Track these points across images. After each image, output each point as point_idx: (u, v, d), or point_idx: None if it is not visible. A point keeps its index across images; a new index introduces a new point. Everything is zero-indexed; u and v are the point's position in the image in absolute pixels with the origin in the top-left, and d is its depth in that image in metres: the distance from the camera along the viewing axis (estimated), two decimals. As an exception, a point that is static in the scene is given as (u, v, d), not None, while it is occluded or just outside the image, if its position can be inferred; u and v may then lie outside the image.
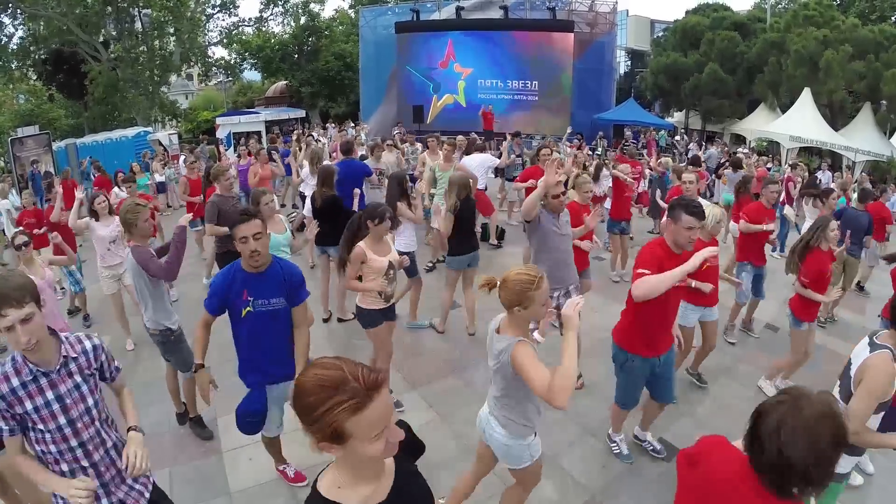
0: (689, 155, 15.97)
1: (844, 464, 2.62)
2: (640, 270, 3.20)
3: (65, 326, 4.70)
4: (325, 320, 6.22)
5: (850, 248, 6.58)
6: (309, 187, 8.43)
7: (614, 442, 4.03)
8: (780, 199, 8.91)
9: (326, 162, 7.78)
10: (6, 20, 21.60)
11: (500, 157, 8.74)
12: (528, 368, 2.39)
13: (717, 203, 7.58)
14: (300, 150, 10.95)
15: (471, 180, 5.79)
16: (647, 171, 10.76)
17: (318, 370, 1.28)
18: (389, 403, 1.30)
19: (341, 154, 7.47)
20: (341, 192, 6.24)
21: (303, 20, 29.04)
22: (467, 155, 8.37)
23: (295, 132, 18.81)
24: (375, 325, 4.27)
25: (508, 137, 10.30)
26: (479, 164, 7.89)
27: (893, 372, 2.43)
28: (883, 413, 2.52)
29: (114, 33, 22.87)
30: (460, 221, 5.46)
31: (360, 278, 4.16)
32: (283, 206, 10.14)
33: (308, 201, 6.90)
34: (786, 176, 9.84)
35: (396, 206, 5.53)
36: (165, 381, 4.33)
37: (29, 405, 2.05)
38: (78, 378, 2.16)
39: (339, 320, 6.18)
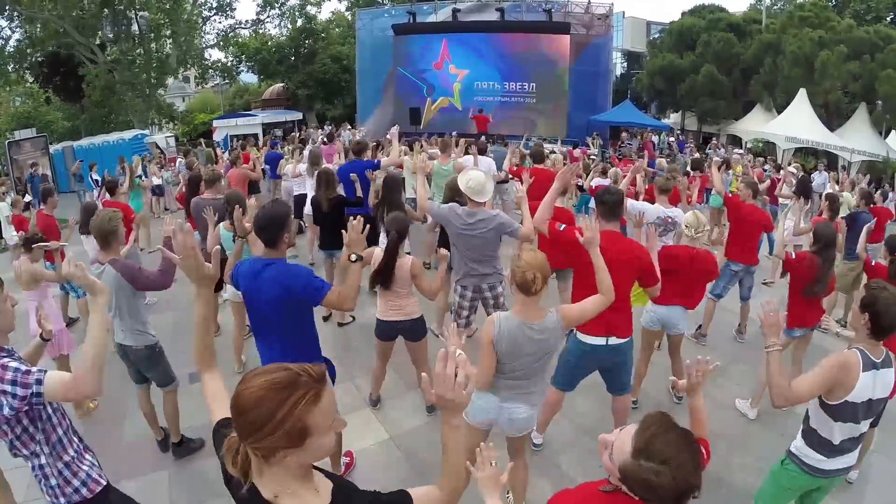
0: (688, 157, 16.04)
1: (834, 462, 2.64)
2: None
3: (63, 329, 4.70)
4: (325, 318, 6.27)
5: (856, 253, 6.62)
6: (306, 189, 8.43)
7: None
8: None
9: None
10: (3, 22, 21.61)
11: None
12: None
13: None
14: (292, 152, 10.99)
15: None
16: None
17: (263, 377, 1.26)
18: (333, 390, 1.34)
19: (353, 155, 7.46)
20: (349, 192, 6.36)
21: (299, 22, 29.02)
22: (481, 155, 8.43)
23: (291, 134, 18.88)
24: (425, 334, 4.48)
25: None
26: (486, 170, 7.89)
27: (848, 369, 2.45)
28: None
29: (110, 36, 22.85)
30: None
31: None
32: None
33: (308, 205, 6.93)
34: (773, 177, 9.89)
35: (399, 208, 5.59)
36: (139, 403, 4.14)
37: None
38: None
39: (339, 324, 6.22)
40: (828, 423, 2.55)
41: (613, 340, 3.63)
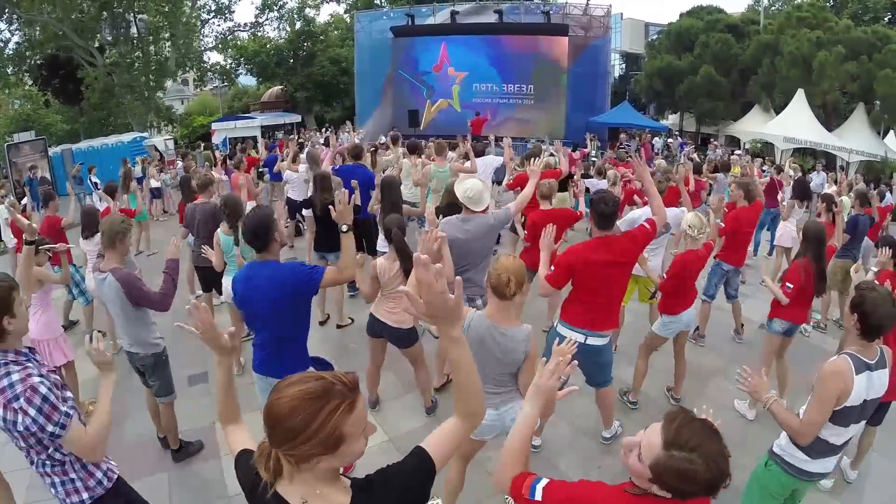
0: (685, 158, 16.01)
1: (817, 465, 2.64)
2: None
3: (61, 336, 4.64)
4: (322, 323, 6.28)
5: (853, 252, 6.54)
6: (296, 190, 8.41)
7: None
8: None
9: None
10: (2, 25, 21.64)
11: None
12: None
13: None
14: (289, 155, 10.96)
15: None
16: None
17: (297, 387, 1.27)
18: (364, 397, 1.35)
19: (350, 158, 7.37)
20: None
21: (298, 25, 29.04)
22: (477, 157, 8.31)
23: (291, 136, 18.87)
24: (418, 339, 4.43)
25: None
26: (486, 167, 7.81)
27: (842, 375, 2.44)
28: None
29: (109, 39, 22.87)
30: None
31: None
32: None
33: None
34: (772, 176, 9.86)
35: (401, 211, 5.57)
36: (147, 404, 4.17)
37: None
38: None
39: (338, 326, 6.22)
40: (825, 426, 2.54)
41: (592, 340, 3.69)
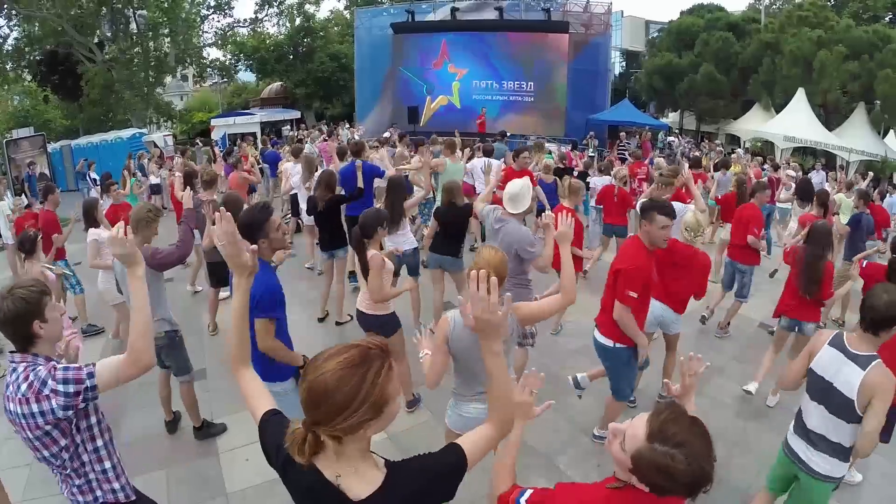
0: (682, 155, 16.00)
1: (840, 469, 2.65)
2: (629, 293, 3.48)
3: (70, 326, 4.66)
4: (321, 319, 6.30)
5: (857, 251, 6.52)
6: (301, 191, 8.42)
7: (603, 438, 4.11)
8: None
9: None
10: (1, 21, 21.57)
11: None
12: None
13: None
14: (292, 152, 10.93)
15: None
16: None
17: (336, 358, 1.29)
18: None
19: (351, 155, 7.37)
20: (348, 191, 6.32)
21: (298, 21, 29.04)
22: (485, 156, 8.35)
23: (290, 133, 18.86)
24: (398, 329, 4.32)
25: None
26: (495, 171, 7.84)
27: (819, 339, 2.61)
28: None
29: (108, 34, 22.80)
30: (443, 225, 5.46)
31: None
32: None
33: (304, 205, 6.92)
34: (770, 176, 9.87)
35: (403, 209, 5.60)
36: (158, 387, 4.24)
37: None
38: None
39: (337, 323, 6.21)
40: (802, 397, 2.71)
41: (598, 336, 3.81)
